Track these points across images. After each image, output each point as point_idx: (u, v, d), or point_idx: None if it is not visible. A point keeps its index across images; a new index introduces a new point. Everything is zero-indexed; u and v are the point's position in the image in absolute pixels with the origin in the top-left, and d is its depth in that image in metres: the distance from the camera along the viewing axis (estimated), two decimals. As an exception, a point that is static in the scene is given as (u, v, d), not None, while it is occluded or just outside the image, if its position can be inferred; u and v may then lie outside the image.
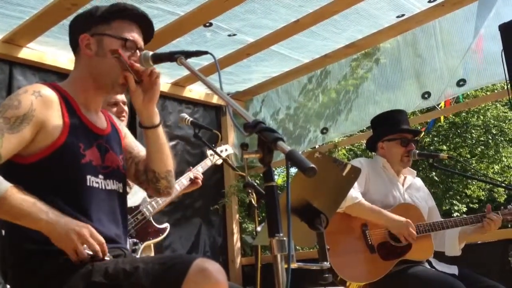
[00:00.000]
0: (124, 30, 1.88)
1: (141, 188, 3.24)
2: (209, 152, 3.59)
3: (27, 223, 1.64)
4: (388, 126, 3.28)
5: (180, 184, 3.36)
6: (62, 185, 1.74)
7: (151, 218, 3.25)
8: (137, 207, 3.19)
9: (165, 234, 3.35)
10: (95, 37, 1.87)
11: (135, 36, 1.90)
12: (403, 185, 3.23)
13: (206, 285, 1.50)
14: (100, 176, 1.83)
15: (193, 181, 3.41)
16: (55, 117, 1.77)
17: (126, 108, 3.08)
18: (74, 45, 1.94)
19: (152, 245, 3.29)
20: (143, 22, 1.94)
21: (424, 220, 3.07)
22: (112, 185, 1.89)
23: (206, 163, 3.57)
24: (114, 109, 3.00)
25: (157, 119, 1.97)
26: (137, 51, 1.90)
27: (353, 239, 3.01)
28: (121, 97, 3.06)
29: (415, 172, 3.36)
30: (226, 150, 3.71)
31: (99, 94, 1.95)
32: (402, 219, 2.95)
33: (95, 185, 1.81)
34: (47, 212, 1.63)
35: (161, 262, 1.59)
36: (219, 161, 3.63)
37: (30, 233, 1.69)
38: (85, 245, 1.64)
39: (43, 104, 1.75)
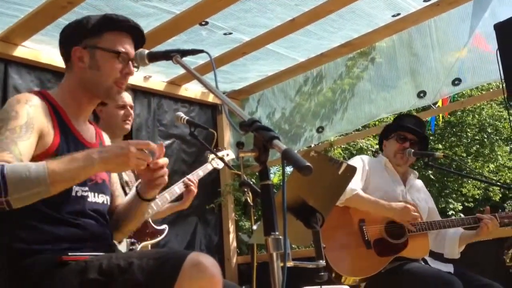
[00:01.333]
0: (116, 42, 1.90)
1: None
2: (210, 156, 3.56)
3: (84, 176, 1.69)
4: (394, 125, 3.36)
5: (173, 192, 3.34)
6: None
7: (149, 219, 3.25)
8: None
9: (163, 235, 3.33)
10: (88, 49, 1.89)
11: (128, 48, 1.92)
12: (405, 185, 3.25)
13: (201, 279, 1.51)
14: (86, 188, 1.85)
15: (186, 187, 3.33)
16: (48, 126, 1.79)
17: (132, 112, 3.10)
18: (66, 57, 1.95)
19: (149, 246, 3.29)
20: (134, 33, 1.96)
21: (422, 220, 3.08)
22: (96, 198, 1.90)
23: (207, 167, 3.54)
24: (122, 112, 3.03)
25: (154, 195, 2.01)
26: (129, 62, 1.92)
27: (349, 234, 3.02)
28: (129, 101, 3.10)
29: (417, 173, 3.40)
30: (227, 155, 3.68)
31: (92, 103, 1.98)
32: (400, 204, 2.98)
33: (80, 194, 1.82)
34: (89, 156, 1.66)
35: (155, 257, 1.59)
36: (220, 166, 3.59)
37: (18, 232, 1.71)
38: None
39: (38, 113, 1.77)
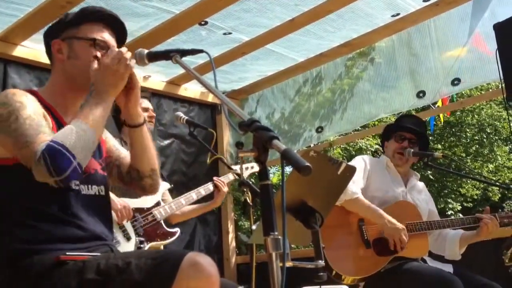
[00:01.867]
0: (93, 31, 1.91)
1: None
2: (245, 165, 3.65)
3: (109, 110, 1.78)
4: (393, 126, 3.37)
5: (197, 193, 3.44)
6: (45, 186, 1.70)
7: (162, 221, 3.27)
8: (149, 208, 3.24)
9: (174, 238, 3.35)
10: (66, 41, 1.90)
11: (105, 36, 1.93)
12: (406, 185, 3.25)
13: (198, 279, 1.51)
14: (77, 182, 1.83)
15: (216, 187, 3.49)
16: (48, 118, 1.80)
17: (154, 114, 3.34)
18: (49, 53, 1.96)
19: (162, 247, 3.31)
20: (112, 23, 1.96)
21: (421, 219, 3.08)
22: (89, 190, 1.88)
23: (229, 177, 3.62)
24: (145, 114, 3.09)
25: (140, 118, 1.98)
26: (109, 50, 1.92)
27: (349, 233, 3.02)
28: (149, 106, 3.33)
29: (418, 175, 3.40)
30: (252, 167, 3.70)
31: (77, 96, 1.95)
32: (399, 225, 2.95)
33: (75, 187, 1.81)
34: (97, 96, 1.77)
35: (153, 257, 1.59)
36: (246, 173, 3.65)
37: (17, 232, 1.70)
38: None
39: (37, 104, 1.78)
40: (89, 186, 1.89)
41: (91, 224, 1.83)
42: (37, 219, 1.72)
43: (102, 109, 1.74)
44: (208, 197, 3.58)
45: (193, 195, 3.42)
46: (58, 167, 1.58)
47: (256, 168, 3.75)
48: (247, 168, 3.64)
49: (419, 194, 3.29)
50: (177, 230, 3.38)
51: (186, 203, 3.39)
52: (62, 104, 1.91)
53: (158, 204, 3.29)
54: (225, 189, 3.52)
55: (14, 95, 1.75)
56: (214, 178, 3.54)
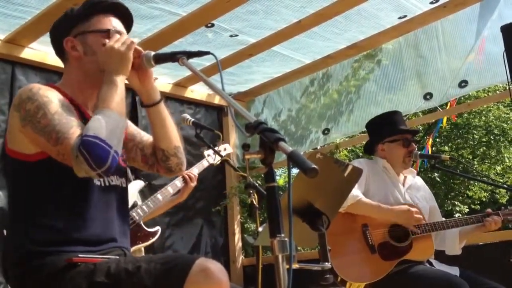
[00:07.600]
0: (103, 22, 1.90)
1: (134, 188, 3.21)
2: (206, 152, 3.56)
3: (123, 92, 1.79)
4: (387, 127, 3.29)
5: (173, 186, 3.34)
6: (70, 182, 1.74)
7: (141, 222, 3.23)
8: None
9: (155, 238, 3.30)
10: (78, 37, 1.89)
11: (117, 25, 1.93)
12: (403, 185, 3.23)
13: (208, 285, 1.50)
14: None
15: (185, 180, 3.38)
16: (74, 111, 1.80)
17: None
18: (60, 51, 1.95)
19: (142, 248, 3.26)
20: (119, 10, 1.96)
21: (425, 220, 3.07)
22: (115, 180, 1.90)
23: (203, 164, 3.54)
24: None
25: (157, 95, 1.97)
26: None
27: (353, 239, 3.01)
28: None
29: (415, 171, 3.37)
30: (225, 149, 3.65)
31: (95, 92, 1.93)
32: (404, 207, 2.98)
33: (97, 183, 1.82)
34: (108, 81, 1.78)
35: (163, 262, 1.59)
36: (216, 161, 3.56)
37: (32, 233, 1.71)
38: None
39: (62, 98, 1.79)
40: (116, 176, 1.90)
41: (107, 223, 1.82)
42: (53, 219, 1.73)
43: (118, 91, 1.75)
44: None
45: (169, 189, 3.33)
46: (97, 160, 1.59)
47: (229, 149, 3.74)
48: (220, 151, 3.49)
49: (418, 192, 3.27)
50: (157, 229, 3.32)
51: (163, 199, 3.30)
52: (81, 99, 1.91)
53: (134, 205, 3.23)
54: (193, 184, 3.40)
55: (40, 89, 1.75)
56: (186, 171, 3.37)
